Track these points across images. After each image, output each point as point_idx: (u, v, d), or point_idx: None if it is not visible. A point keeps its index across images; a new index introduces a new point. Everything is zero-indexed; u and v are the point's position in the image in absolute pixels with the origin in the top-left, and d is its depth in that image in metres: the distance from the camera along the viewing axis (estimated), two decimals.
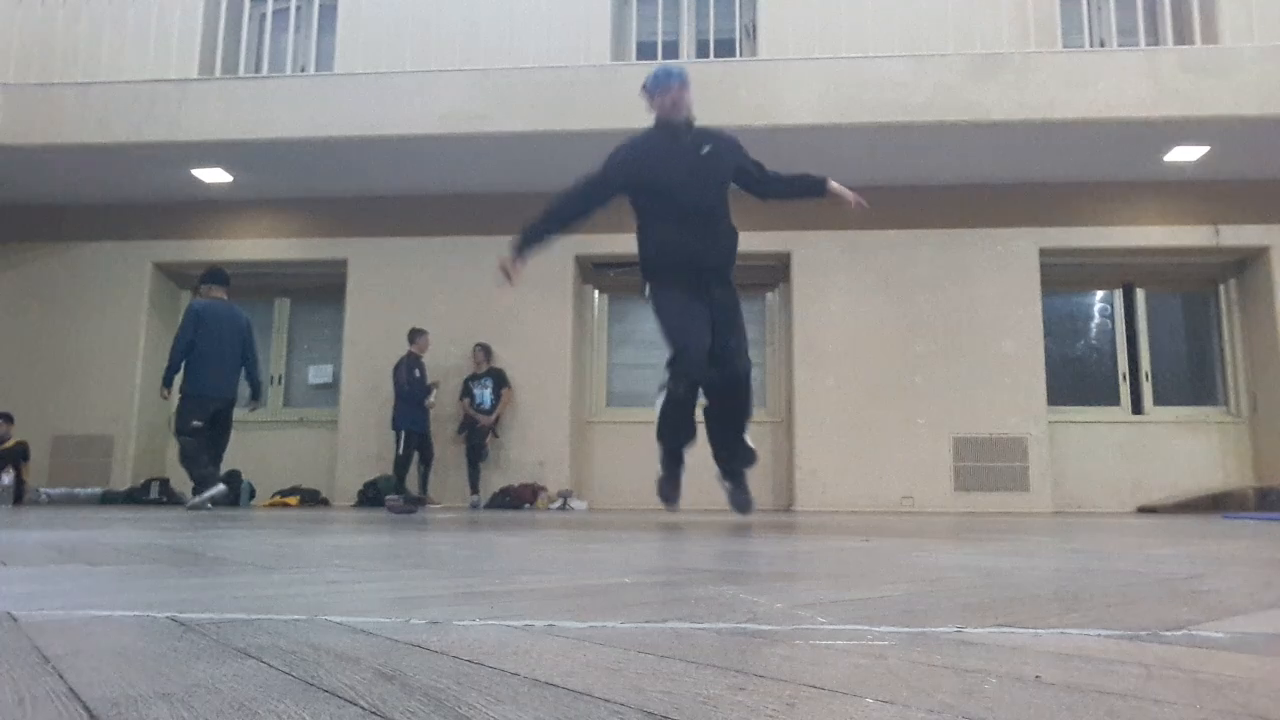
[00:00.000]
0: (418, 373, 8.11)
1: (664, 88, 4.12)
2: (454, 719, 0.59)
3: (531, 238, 4.18)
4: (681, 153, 4.11)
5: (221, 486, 6.30)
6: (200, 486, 6.26)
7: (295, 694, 0.65)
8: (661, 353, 4.06)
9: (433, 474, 8.25)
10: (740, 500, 4.35)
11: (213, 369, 6.40)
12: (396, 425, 7.99)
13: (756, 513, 4.89)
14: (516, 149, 7.67)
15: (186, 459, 6.39)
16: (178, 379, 6.44)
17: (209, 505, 6.22)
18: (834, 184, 4.37)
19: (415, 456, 8.10)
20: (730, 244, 4.19)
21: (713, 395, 4.16)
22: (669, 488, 4.36)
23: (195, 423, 6.34)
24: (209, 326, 6.44)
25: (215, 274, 6.80)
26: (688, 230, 4.06)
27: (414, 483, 8.12)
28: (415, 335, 8.16)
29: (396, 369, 8.03)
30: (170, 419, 6.59)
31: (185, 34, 8.36)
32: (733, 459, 4.29)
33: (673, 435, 4.16)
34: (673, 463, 4.29)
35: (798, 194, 4.49)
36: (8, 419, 8.23)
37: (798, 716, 0.59)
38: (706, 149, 4.14)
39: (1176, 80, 6.97)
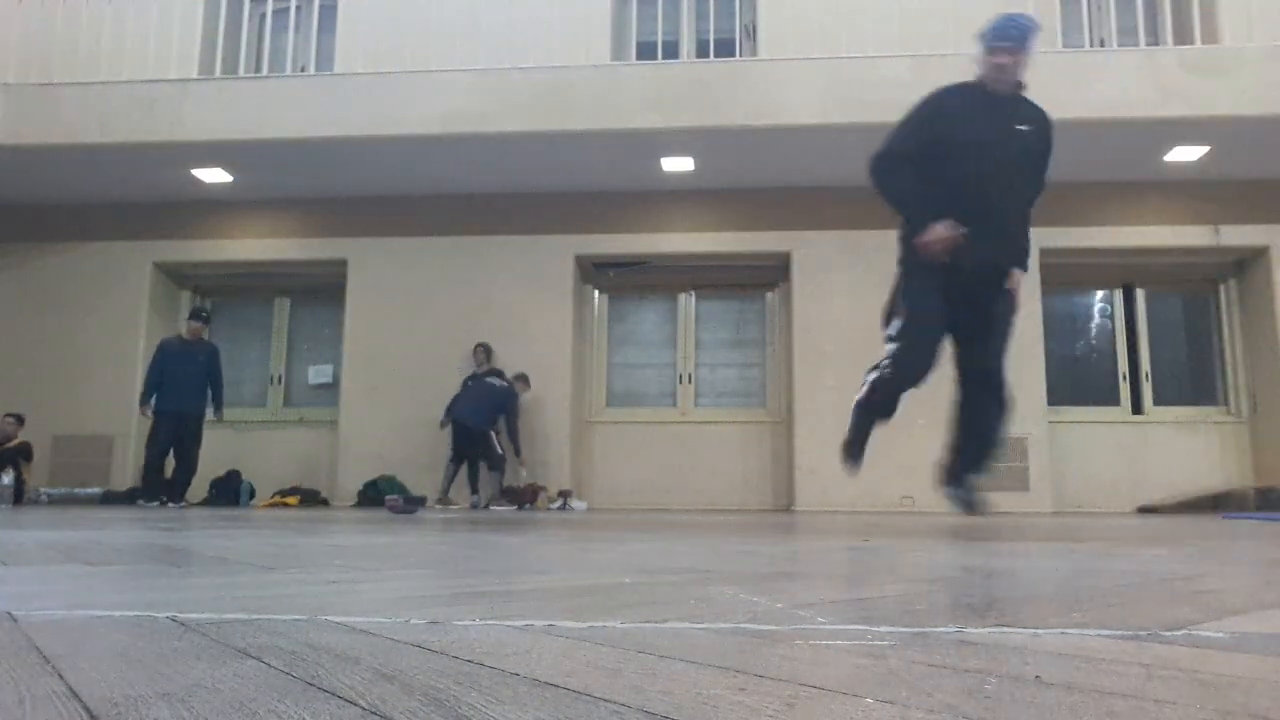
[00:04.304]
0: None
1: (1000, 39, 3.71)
2: (454, 719, 0.59)
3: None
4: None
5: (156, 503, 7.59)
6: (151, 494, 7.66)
7: (295, 694, 0.65)
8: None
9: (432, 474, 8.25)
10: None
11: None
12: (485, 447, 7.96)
13: (756, 513, 4.87)
14: (516, 149, 7.67)
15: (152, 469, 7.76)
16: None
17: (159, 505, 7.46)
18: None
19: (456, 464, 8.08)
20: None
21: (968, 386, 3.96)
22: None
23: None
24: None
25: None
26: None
27: (420, 484, 8.11)
28: (526, 380, 8.17)
29: (514, 400, 8.00)
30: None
31: (185, 34, 8.36)
32: None
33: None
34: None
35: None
36: (19, 420, 8.21)
37: (798, 716, 0.59)
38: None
39: (1176, 80, 6.97)
